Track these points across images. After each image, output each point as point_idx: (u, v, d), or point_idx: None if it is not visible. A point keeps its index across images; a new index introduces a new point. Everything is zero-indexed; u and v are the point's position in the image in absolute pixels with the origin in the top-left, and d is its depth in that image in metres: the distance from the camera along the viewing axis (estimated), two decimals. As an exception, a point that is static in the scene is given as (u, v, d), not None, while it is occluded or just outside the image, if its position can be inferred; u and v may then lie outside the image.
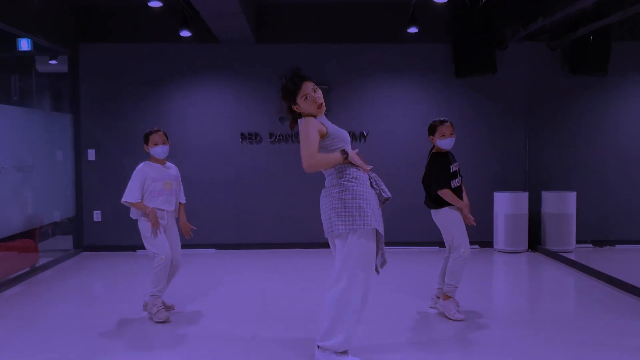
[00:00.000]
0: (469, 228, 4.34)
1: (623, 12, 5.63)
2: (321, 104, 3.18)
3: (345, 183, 3.15)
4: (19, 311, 4.63)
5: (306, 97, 3.14)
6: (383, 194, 3.27)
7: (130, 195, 4.26)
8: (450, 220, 4.27)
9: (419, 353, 3.55)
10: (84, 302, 5.10)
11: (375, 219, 3.13)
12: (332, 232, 3.17)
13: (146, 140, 4.33)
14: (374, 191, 3.24)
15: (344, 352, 3.19)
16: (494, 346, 3.66)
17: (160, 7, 5.96)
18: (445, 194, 4.21)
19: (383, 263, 3.34)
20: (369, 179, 3.26)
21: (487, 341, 3.76)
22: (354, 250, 3.12)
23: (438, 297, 4.49)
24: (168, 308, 4.46)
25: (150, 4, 5.31)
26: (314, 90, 3.16)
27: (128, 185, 4.28)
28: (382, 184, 3.31)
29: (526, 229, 6.96)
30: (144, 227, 4.26)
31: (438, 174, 4.25)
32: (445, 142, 4.27)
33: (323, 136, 3.15)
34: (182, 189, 4.56)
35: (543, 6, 6.39)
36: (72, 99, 7.08)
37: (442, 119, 4.34)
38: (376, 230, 3.17)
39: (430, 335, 3.93)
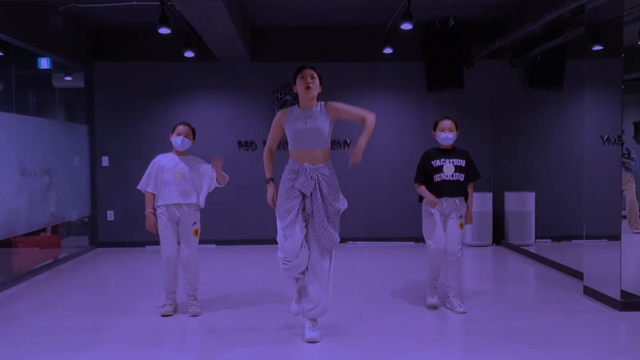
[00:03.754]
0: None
1: (566, 35, 6.46)
2: (307, 87, 3.61)
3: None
4: (47, 293, 5.41)
5: (301, 77, 3.63)
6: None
7: (141, 183, 4.23)
8: (423, 214, 4.43)
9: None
10: (98, 289, 5.76)
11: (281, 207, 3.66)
12: None
13: (173, 129, 4.26)
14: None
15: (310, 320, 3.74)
16: (462, 322, 4.16)
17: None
18: (417, 187, 4.38)
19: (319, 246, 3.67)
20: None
21: (454, 318, 4.25)
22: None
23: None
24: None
25: (160, 31, 6.04)
26: (311, 77, 3.63)
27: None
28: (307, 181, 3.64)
29: (491, 225, 7.59)
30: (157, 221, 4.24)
31: (417, 169, 4.43)
32: (440, 137, 4.36)
33: (282, 127, 3.70)
34: (205, 188, 4.29)
35: (501, 28, 7.12)
36: (88, 112, 7.76)
37: (445, 115, 4.49)
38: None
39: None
